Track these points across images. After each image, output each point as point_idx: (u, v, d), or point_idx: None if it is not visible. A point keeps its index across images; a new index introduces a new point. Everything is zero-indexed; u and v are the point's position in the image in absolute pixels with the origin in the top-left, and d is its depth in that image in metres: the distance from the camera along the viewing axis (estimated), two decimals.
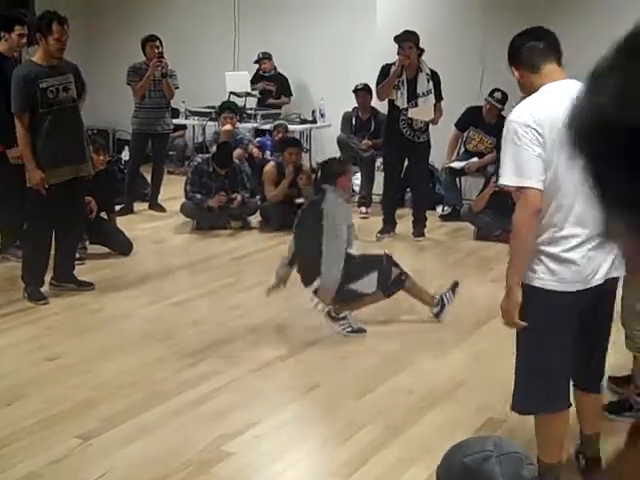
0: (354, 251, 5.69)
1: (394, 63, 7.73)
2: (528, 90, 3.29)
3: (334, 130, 9.89)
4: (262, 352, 5.18)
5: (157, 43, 8.85)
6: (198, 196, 8.34)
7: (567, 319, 3.27)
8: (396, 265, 5.62)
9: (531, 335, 3.28)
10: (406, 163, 8.20)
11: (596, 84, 0.73)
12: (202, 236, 8.21)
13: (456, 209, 8.80)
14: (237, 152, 9.02)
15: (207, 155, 8.82)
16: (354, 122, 9.55)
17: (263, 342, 5.38)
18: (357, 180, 9.62)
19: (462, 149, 9.17)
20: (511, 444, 2.84)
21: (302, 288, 5.63)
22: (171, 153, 10.99)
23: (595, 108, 0.71)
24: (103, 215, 7.42)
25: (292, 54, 10.89)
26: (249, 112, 10.46)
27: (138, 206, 9.15)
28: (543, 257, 3.18)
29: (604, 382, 3.84)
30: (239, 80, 10.72)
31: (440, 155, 8.85)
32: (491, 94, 8.66)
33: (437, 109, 7.89)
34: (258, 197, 8.70)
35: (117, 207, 8.20)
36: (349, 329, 5.47)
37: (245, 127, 10.15)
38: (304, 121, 10.59)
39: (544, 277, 3.19)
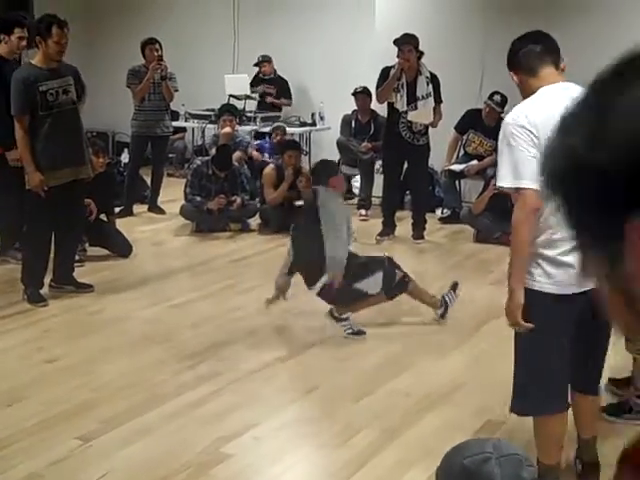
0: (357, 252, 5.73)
1: (394, 66, 7.74)
2: (527, 93, 3.32)
3: (334, 133, 9.90)
4: (261, 354, 5.18)
5: (157, 46, 8.86)
6: (197, 198, 8.35)
7: (565, 321, 3.28)
8: (398, 267, 5.64)
9: (529, 337, 3.29)
10: (405, 166, 8.20)
11: (568, 126, 0.74)
12: (201, 238, 8.22)
13: (456, 211, 8.81)
14: (236, 155, 9.04)
15: (206, 158, 8.83)
16: (353, 125, 9.56)
17: (262, 344, 5.39)
18: (357, 183, 9.66)
19: (462, 152, 9.18)
20: (510, 446, 2.85)
21: (304, 290, 5.64)
22: (171, 155, 10.99)
23: (567, 150, 0.73)
24: (102, 217, 7.42)
25: (291, 57, 10.90)
26: (248, 115, 10.47)
27: (137, 208, 9.16)
28: (540, 260, 3.19)
29: (602, 384, 3.85)
30: (238, 83, 10.73)
31: (440, 158, 8.85)
32: (491, 97, 8.67)
33: (436, 112, 7.90)
34: (257, 200, 8.70)
35: (116, 209, 8.21)
36: (349, 331, 5.48)
37: (244, 130, 10.15)
38: (304, 124, 10.60)
39: (541, 280, 3.20)
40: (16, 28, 6.72)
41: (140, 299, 6.30)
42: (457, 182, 9.17)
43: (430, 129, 7.95)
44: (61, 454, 3.87)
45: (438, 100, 7.90)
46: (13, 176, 6.38)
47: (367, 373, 4.94)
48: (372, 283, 5.47)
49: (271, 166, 8.59)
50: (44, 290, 6.18)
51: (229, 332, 5.56)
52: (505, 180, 3.17)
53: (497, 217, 7.49)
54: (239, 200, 8.39)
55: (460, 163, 8.99)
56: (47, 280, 6.24)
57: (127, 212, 8.91)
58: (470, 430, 4.09)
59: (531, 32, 3.42)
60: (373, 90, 8.24)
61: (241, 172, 8.73)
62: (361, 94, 9.32)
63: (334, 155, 9.64)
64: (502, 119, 3.53)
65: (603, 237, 0.71)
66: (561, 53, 3.38)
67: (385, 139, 8.30)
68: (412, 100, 7.76)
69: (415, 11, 9.66)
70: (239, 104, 10.41)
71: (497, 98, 8.56)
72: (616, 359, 4.25)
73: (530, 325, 3.21)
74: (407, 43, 7.61)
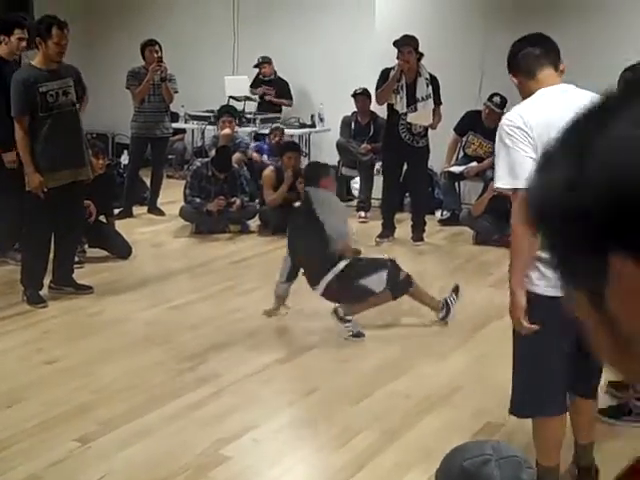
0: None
1: (393, 67, 7.74)
2: (526, 95, 3.34)
3: (333, 134, 9.90)
4: (261, 356, 5.18)
5: (156, 47, 8.86)
6: (197, 200, 8.35)
7: (563, 323, 3.27)
8: (400, 269, 5.66)
9: (528, 339, 3.29)
10: (405, 167, 8.20)
11: (549, 164, 0.75)
12: (201, 240, 8.22)
13: (455, 213, 8.82)
14: (236, 156, 9.04)
15: (206, 159, 8.84)
16: (353, 126, 9.56)
17: (262, 346, 5.39)
18: (356, 184, 9.66)
19: (461, 153, 9.18)
20: (510, 448, 2.85)
21: (304, 292, 5.64)
22: (170, 157, 11.00)
23: (548, 189, 0.73)
24: (102, 219, 7.42)
25: (291, 58, 10.91)
26: (248, 116, 10.47)
27: (137, 210, 9.16)
28: (537, 263, 3.19)
29: (601, 387, 3.85)
30: (238, 84, 10.74)
31: (439, 159, 8.86)
32: (490, 99, 8.67)
33: (436, 114, 7.91)
34: (257, 201, 8.71)
35: (116, 211, 8.21)
36: (351, 332, 5.48)
37: (244, 131, 10.16)
38: (303, 125, 10.61)
39: (539, 284, 3.20)
40: (16, 29, 6.72)
41: (140, 300, 6.30)
42: (457, 184, 9.17)
43: (430, 131, 7.96)
44: (60, 455, 3.87)
45: (438, 102, 7.90)
46: (13, 177, 6.38)
47: (367, 375, 4.94)
48: (376, 280, 5.48)
49: (271, 168, 8.59)
50: (43, 291, 6.19)
51: (229, 334, 5.56)
52: (502, 181, 3.19)
53: (497, 219, 7.49)
54: (239, 202, 8.40)
55: (460, 165, 8.99)
56: (46, 281, 6.24)
57: (127, 213, 8.91)
58: (469, 432, 4.09)
59: (531, 34, 3.45)
60: (373, 92, 8.24)
61: (241, 174, 8.73)
62: (361, 96, 9.32)
63: (334, 156, 9.66)
64: None
65: (587, 272, 0.72)
66: (561, 55, 3.39)
67: (385, 141, 8.31)
68: (412, 102, 7.77)
69: (415, 12, 9.66)
70: (239, 105, 10.42)
71: (497, 100, 8.56)
72: None
73: (534, 327, 3.21)
74: (407, 45, 7.62)
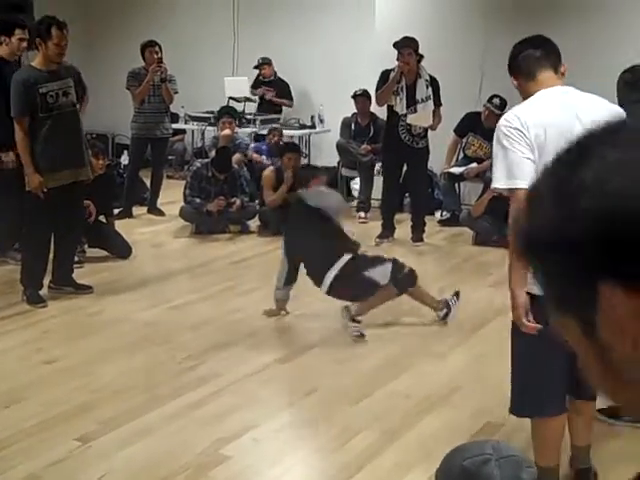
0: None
1: (393, 69, 7.75)
2: (526, 97, 3.36)
3: (333, 135, 9.91)
4: (261, 355, 5.18)
5: (156, 48, 8.86)
6: (197, 200, 8.36)
7: None
8: (404, 265, 5.69)
9: (526, 339, 3.29)
10: (405, 168, 8.21)
11: (537, 198, 0.77)
12: (201, 240, 8.22)
13: (455, 214, 8.82)
14: (236, 157, 9.05)
15: (206, 160, 8.85)
16: (353, 127, 9.57)
17: (262, 346, 5.39)
18: (356, 185, 9.67)
19: (461, 155, 9.19)
20: (510, 448, 2.85)
21: (304, 292, 5.65)
22: (170, 157, 11.01)
23: (536, 222, 0.75)
24: (102, 219, 7.43)
25: (291, 59, 10.91)
26: (248, 117, 10.48)
27: (137, 210, 9.17)
28: None
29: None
30: (238, 85, 10.75)
31: (439, 160, 8.86)
32: (490, 100, 8.67)
33: (436, 115, 7.92)
34: (257, 202, 8.72)
35: (116, 211, 8.21)
36: (357, 333, 5.48)
37: (244, 132, 10.16)
38: (303, 126, 10.61)
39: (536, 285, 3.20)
40: (17, 29, 6.72)
41: (139, 300, 6.30)
42: (456, 185, 9.18)
43: (430, 132, 7.97)
44: (60, 455, 3.88)
45: (437, 103, 7.91)
46: (13, 177, 6.38)
47: (366, 375, 4.94)
48: (381, 272, 5.51)
49: (270, 168, 8.60)
50: (43, 291, 6.19)
51: (229, 334, 5.57)
52: (500, 181, 3.21)
53: (496, 220, 7.49)
54: (238, 202, 8.40)
55: (459, 166, 9.00)
56: (46, 281, 6.25)
57: (126, 214, 8.92)
58: (469, 432, 4.09)
59: (532, 36, 3.46)
60: (373, 93, 8.25)
61: (240, 174, 8.74)
62: (361, 97, 9.33)
63: (334, 157, 9.67)
64: None
65: (577, 301, 0.74)
66: (561, 55, 3.40)
67: (384, 142, 8.31)
68: (411, 103, 7.78)
69: (415, 13, 9.67)
70: (239, 106, 10.42)
71: (496, 101, 8.57)
72: None
73: (538, 326, 3.20)
74: (407, 46, 7.63)
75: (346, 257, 5.54)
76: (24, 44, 6.75)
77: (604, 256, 0.69)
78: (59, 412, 4.32)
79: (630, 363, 0.71)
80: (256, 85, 10.90)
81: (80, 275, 6.54)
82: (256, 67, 10.92)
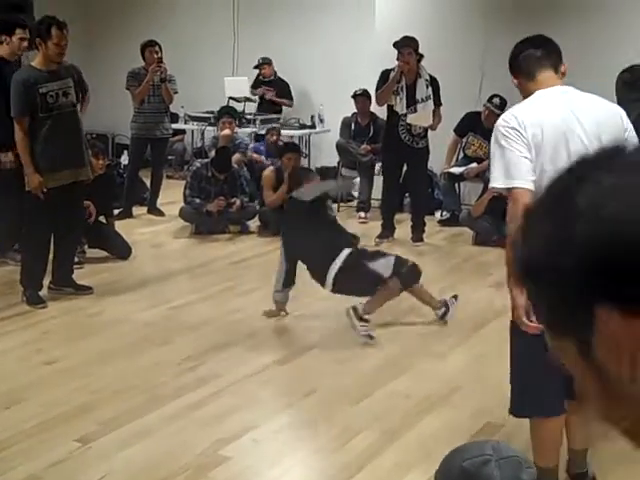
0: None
1: (393, 69, 7.75)
2: (526, 97, 3.37)
3: (333, 135, 9.91)
4: (261, 356, 5.18)
5: (156, 48, 8.86)
6: (197, 200, 8.35)
7: None
8: (407, 259, 5.71)
9: (525, 339, 3.28)
10: (405, 168, 8.21)
11: (533, 222, 0.78)
12: (201, 240, 8.22)
13: (455, 214, 8.82)
14: (236, 157, 9.05)
15: (206, 160, 8.85)
16: (353, 127, 9.57)
17: (262, 346, 5.39)
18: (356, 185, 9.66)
19: (461, 154, 9.19)
20: (510, 448, 2.85)
21: (304, 292, 5.64)
22: (170, 158, 11.01)
23: (532, 246, 0.76)
24: (102, 219, 7.43)
25: (291, 59, 10.91)
26: (248, 117, 10.48)
27: (137, 210, 9.16)
28: None
29: None
30: (238, 85, 10.75)
31: (439, 160, 8.86)
32: (490, 100, 8.67)
33: (436, 115, 7.92)
34: (257, 202, 8.71)
35: (116, 211, 8.21)
36: (366, 334, 5.46)
37: (244, 132, 10.16)
38: (303, 126, 10.61)
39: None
40: (18, 29, 6.72)
41: (139, 301, 6.30)
42: (456, 185, 9.18)
43: (430, 132, 7.97)
44: (60, 456, 3.87)
45: (438, 103, 7.91)
46: (12, 177, 6.38)
47: (366, 375, 4.94)
48: (384, 264, 5.52)
49: (270, 168, 8.59)
50: (43, 292, 6.19)
51: (228, 334, 5.56)
52: (498, 181, 3.22)
53: (496, 220, 7.48)
54: (238, 202, 8.40)
55: (459, 166, 9.00)
56: (46, 282, 6.25)
57: (126, 214, 8.91)
58: (469, 432, 4.09)
59: (533, 36, 3.47)
60: (373, 93, 8.25)
61: (240, 174, 8.74)
62: (361, 97, 9.33)
63: (334, 157, 9.67)
64: None
65: (573, 323, 0.75)
66: (562, 56, 3.40)
67: (384, 142, 8.31)
68: (411, 103, 7.78)
69: (415, 13, 9.66)
70: (238, 106, 10.42)
71: (496, 101, 8.56)
72: None
73: (539, 325, 3.20)
74: (407, 46, 7.63)
75: (347, 251, 5.55)
76: (25, 44, 6.75)
77: (601, 280, 0.70)
78: (59, 413, 4.32)
79: (627, 382, 0.72)
80: (256, 85, 10.90)
81: (80, 276, 6.54)
82: (256, 67, 10.92)
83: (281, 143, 9.53)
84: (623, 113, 3.34)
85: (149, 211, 9.22)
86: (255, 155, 9.70)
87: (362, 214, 9.08)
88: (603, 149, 0.77)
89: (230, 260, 7.52)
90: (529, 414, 3.50)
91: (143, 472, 3.77)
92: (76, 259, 6.69)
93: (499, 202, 6.73)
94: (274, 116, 10.69)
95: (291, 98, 10.98)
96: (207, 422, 4.26)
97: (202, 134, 10.66)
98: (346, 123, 9.62)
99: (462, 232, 8.35)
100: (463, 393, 4.67)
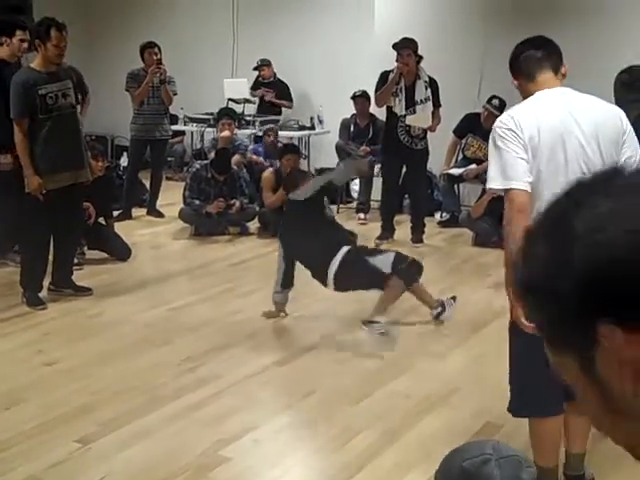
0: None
1: (393, 70, 7.76)
2: (526, 98, 3.36)
3: (332, 136, 9.91)
4: (261, 357, 5.18)
5: (156, 49, 8.87)
6: (196, 202, 8.36)
7: None
8: (407, 256, 5.74)
9: (524, 339, 3.29)
10: (404, 170, 8.22)
11: (533, 243, 0.79)
12: (200, 242, 8.22)
13: (454, 215, 8.83)
14: (235, 158, 9.05)
15: (205, 161, 8.85)
16: (352, 128, 9.58)
17: (262, 347, 5.39)
18: (355, 186, 9.67)
19: (460, 156, 9.19)
20: (510, 448, 2.86)
21: (304, 293, 5.64)
22: (169, 159, 11.01)
23: (532, 267, 0.78)
24: (101, 221, 7.43)
25: (290, 60, 10.91)
26: (247, 118, 10.48)
27: (136, 212, 9.17)
28: None
29: None
30: (237, 87, 10.75)
31: (438, 162, 8.87)
32: (489, 101, 8.68)
33: (435, 116, 7.93)
34: (256, 203, 8.72)
35: (115, 213, 8.21)
36: (381, 331, 5.48)
37: (243, 133, 10.16)
38: (302, 127, 10.60)
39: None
40: (17, 30, 6.71)
41: (139, 302, 6.30)
42: (456, 186, 9.18)
43: (429, 133, 7.97)
44: (60, 457, 3.87)
45: (437, 104, 7.92)
46: (12, 179, 6.38)
47: (366, 375, 4.94)
48: (383, 260, 5.53)
49: (270, 170, 8.60)
50: (43, 293, 6.19)
51: (228, 335, 5.57)
52: (494, 182, 3.23)
53: (496, 221, 7.48)
54: (238, 204, 8.41)
55: (459, 167, 9.00)
56: (46, 283, 6.25)
57: (126, 215, 8.92)
58: (469, 432, 4.09)
59: (534, 37, 3.47)
60: (372, 94, 8.25)
61: (240, 176, 8.74)
62: (360, 98, 9.34)
63: (333, 158, 9.67)
64: None
65: (575, 340, 0.76)
66: (563, 58, 3.41)
67: (384, 143, 8.32)
68: (411, 104, 7.79)
69: (414, 15, 9.67)
70: (238, 108, 10.42)
71: (495, 102, 8.57)
72: None
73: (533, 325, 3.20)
74: (406, 47, 7.64)
75: (345, 248, 5.57)
76: (25, 45, 6.74)
77: (599, 303, 0.71)
78: (59, 414, 4.32)
79: (630, 397, 0.73)
80: (255, 86, 10.91)
81: (80, 277, 6.54)
82: (255, 68, 10.92)
83: (280, 144, 9.53)
84: (623, 115, 3.34)
85: (149, 212, 9.23)
86: (255, 156, 9.70)
87: (362, 215, 9.09)
88: (600, 172, 0.78)
89: (230, 261, 7.52)
90: (528, 414, 3.50)
91: (143, 473, 3.77)
92: (76, 260, 6.69)
93: (499, 203, 6.69)
94: (273, 117, 10.69)
95: (290, 99, 10.98)
96: (207, 423, 4.26)
97: (201, 135, 10.66)
98: (345, 124, 9.62)
99: (462, 233, 8.36)
100: (463, 393, 4.67)
